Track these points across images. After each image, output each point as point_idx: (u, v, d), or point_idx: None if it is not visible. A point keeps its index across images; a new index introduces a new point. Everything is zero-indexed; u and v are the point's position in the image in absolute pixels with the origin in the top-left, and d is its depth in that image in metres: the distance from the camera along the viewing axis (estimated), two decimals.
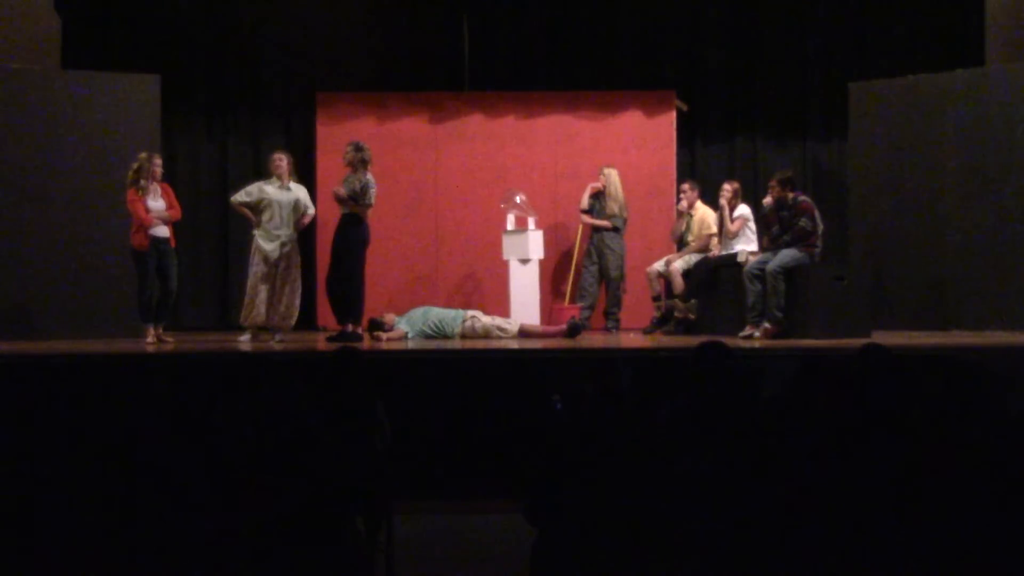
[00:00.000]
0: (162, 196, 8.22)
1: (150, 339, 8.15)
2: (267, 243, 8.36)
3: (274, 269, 8.34)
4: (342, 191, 8.46)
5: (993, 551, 3.52)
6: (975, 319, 9.04)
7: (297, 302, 8.45)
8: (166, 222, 8.22)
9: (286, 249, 8.36)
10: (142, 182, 8.12)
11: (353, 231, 8.48)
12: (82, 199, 9.02)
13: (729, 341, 6.17)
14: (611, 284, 9.68)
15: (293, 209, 8.41)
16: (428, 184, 10.44)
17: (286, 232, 8.37)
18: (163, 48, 10.33)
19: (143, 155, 8.24)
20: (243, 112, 10.76)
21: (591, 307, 9.71)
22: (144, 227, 8.07)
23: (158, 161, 8.27)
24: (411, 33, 10.69)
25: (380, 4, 10.50)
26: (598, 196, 9.77)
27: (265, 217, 8.37)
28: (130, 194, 8.12)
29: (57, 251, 8.91)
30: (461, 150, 10.47)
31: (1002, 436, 3.71)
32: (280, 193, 8.41)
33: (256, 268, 8.38)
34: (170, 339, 8.28)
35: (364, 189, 8.45)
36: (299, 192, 8.53)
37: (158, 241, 8.18)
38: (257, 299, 8.33)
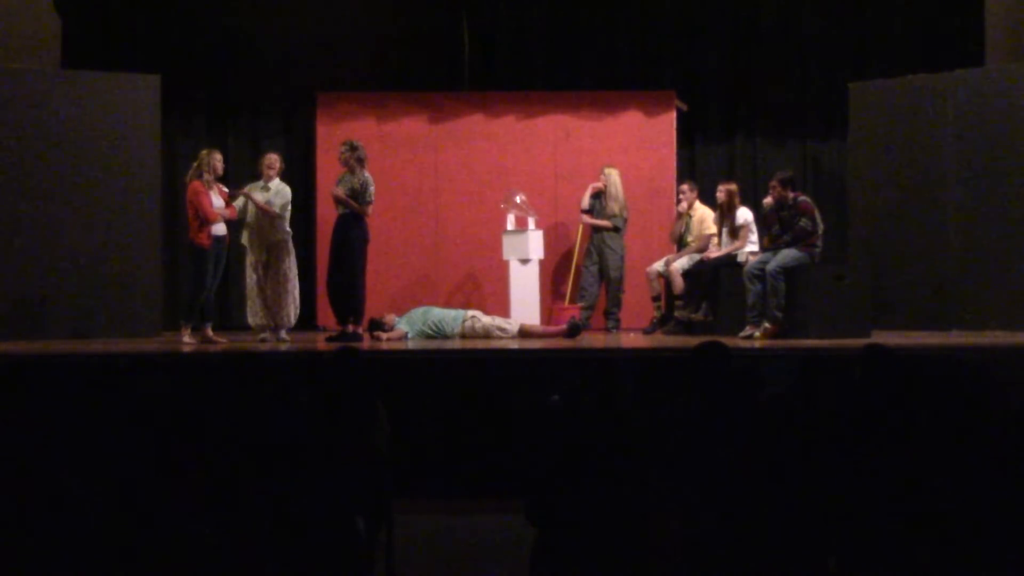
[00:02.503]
0: (218, 194, 8.24)
1: (187, 339, 8.08)
2: (251, 245, 8.34)
3: (262, 269, 8.30)
4: (340, 192, 8.46)
5: (994, 550, 3.52)
6: (975, 319, 9.03)
7: (289, 300, 8.34)
8: (226, 220, 8.25)
9: (272, 249, 8.28)
10: (205, 176, 8.11)
11: (353, 231, 8.48)
12: (82, 199, 9.01)
13: (729, 341, 6.18)
14: (611, 284, 9.68)
15: (277, 208, 8.32)
16: (428, 184, 10.43)
17: (270, 232, 8.29)
18: (163, 48, 10.31)
19: (204, 151, 8.28)
20: (243, 112, 10.74)
21: (591, 307, 9.71)
22: (209, 222, 8.05)
23: (219, 157, 8.25)
24: (411, 33, 10.68)
25: (380, 4, 10.49)
26: (599, 196, 9.77)
27: (249, 219, 8.35)
28: (196, 186, 8.07)
29: (56, 251, 8.90)
30: (461, 150, 10.47)
31: (1002, 436, 3.71)
32: (260, 195, 8.36)
33: (247, 270, 8.39)
34: (222, 339, 8.27)
35: (363, 188, 8.46)
36: (273, 190, 8.39)
37: (219, 240, 8.20)
38: (255, 301, 8.31)
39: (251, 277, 8.37)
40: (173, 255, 10.19)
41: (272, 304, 8.30)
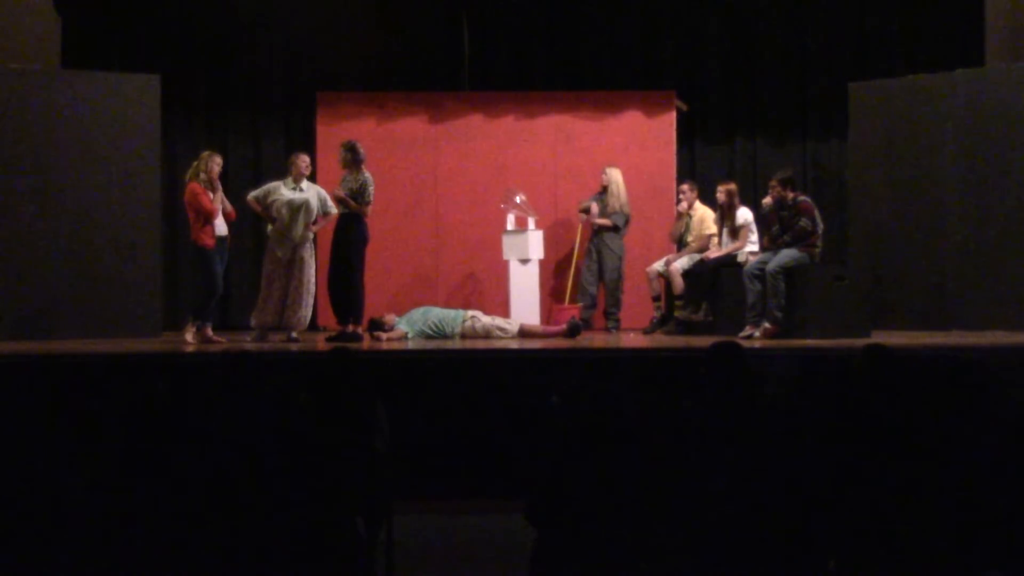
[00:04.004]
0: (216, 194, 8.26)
1: (191, 337, 8.12)
2: (277, 243, 8.34)
3: (285, 269, 8.31)
4: (340, 192, 8.48)
5: (993, 549, 3.53)
6: (975, 319, 9.03)
7: (309, 301, 8.36)
8: (227, 219, 8.29)
9: (298, 250, 8.30)
10: (202, 176, 8.13)
11: (352, 230, 8.49)
12: (82, 199, 9.00)
13: None
14: (609, 284, 9.67)
15: (305, 210, 8.36)
16: (428, 184, 10.43)
17: (298, 232, 8.31)
18: (163, 48, 10.32)
19: (204, 153, 8.31)
20: (243, 112, 10.74)
21: (592, 307, 9.70)
22: (210, 222, 8.07)
23: (218, 160, 8.28)
24: (411, 33, 10.68)
25: (380, 4, 10.50)
26: (601, 195, 9.76)
27: (277, 217, 8.36)
28: (195, 187, 8.12)
29: (56, 251, 8.89)
30: (461, 150, 10.46)
31: (1002, 436, 3.71)
32: (292, 193, 8.39)
33: (268, 268, 8.37)
34: (222, 339, 8.28)
35: (362, 188, 8.47)
36: (311, 192, 8.46)
37: (221, 240, 8.23)
38: (268, 299, 8.31)
39: (270, 275, 8.32)
40: (173, 255, 10.19)
41: (292, 303, 8.28)
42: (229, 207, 8.32)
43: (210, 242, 8.09)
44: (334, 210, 8.57)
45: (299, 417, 4.26)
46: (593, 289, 9.72)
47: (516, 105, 10.54)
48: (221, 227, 8.25)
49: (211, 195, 8.14)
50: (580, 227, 10.01)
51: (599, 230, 9.69)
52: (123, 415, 3.89)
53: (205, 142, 10.44)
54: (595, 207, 9.72)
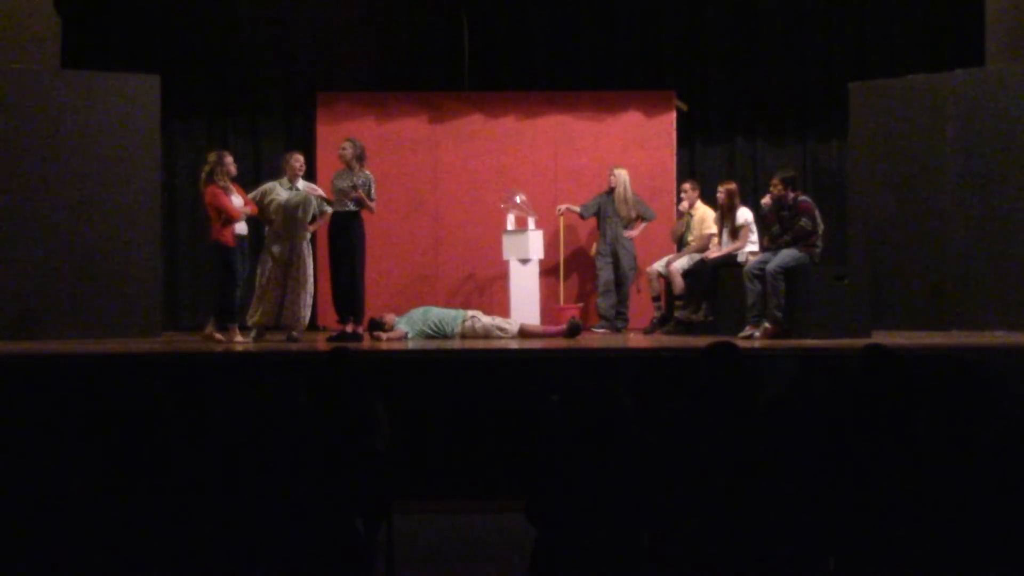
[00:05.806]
0: (236, 193, 8.26)
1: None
2: (274, 243, 8.34)
3: (282, 269, 8.30)
4: (351, 200, 8.41)
5: (992, 550, 3.53)
6: (975, 319, 9.03)
7: (307, 301, 8.33)
8: (248, 217, 8.30)
9: (296, 249, 8.29)
10: (219, 178, 8.13)
11: (353, 230, 8.48)
12: (82, 199, 9.00)
13: None
14: (623, 282, 9.66)
15: (302, 209, 8.33)
16: (428, 184, 10.43)
17: (295, 232, 8.31)
18: (163, 48, 10.31)
19: (212, 154, 8.30)
20: (243, 112, 10.74)
21: (615, 305, 9.69)
22: (232, 221, 8.08)
23: (230, 159, 8.28)
24: (411, 33, 10.68)
25: (380, 4, 10.50)
26: (608, 195, 9.75)
27: (274, 217, 8.36)
28: (213, 190, 8.12)
29: (56, 251, 8.89)
30: (461, 150, 10.46)
31: (1002, 436, 3.71)
32: (289, 193, 8.37)
33: (264, 268, 8.36)
34: (243, 338, 8.28)
35: (367, 186, 8.48)
36: (307, 191, 8.46)
37: (242, 239, 8.25)
38: (264, 299, 8.30)
39: (267, 274, 8.30)
40: (173, 255, 10.19)
41: (291, 303, 8.26)
42: (250, 209, 8.31)
43: (232, 240, 8.11)
44: (329, 209, 8.56)
45: (299, 417, 4.26)
46: (609, 287, 9.69)
47: (516, 105, 10.54)
48: (241, 226, 8.25)
49: (231, 197, 8.16)
50: (562, 221, 10.01)
51: (614, 230, 9.67)
52: (123, 415, 3.89)
53: (205, 142, 10.44)
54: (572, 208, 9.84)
